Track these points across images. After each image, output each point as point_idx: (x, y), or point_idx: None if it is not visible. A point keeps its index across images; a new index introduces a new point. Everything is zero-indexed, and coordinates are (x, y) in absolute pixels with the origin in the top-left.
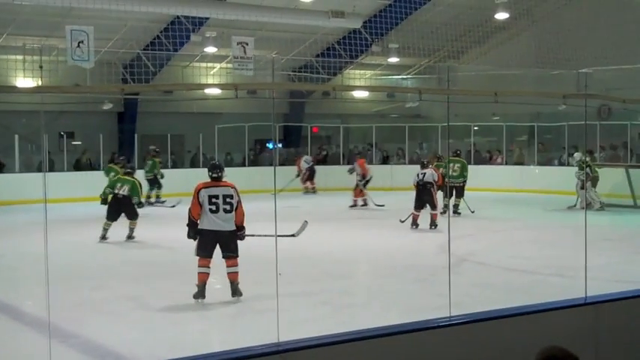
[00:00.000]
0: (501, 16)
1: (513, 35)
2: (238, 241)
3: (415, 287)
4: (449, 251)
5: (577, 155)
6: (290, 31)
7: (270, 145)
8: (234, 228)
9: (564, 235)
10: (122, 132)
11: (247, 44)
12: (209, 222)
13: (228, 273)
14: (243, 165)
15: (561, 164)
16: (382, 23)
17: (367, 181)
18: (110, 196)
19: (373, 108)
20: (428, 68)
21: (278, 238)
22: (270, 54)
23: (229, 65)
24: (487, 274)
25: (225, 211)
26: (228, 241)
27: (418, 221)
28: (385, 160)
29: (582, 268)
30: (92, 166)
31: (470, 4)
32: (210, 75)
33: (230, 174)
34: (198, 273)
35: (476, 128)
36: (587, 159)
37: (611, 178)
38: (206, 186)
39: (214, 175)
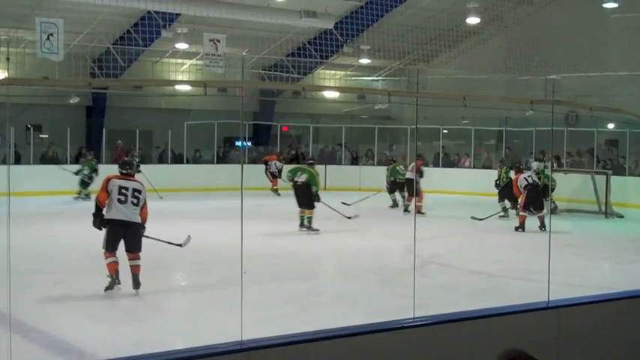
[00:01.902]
0: (473, 20)
1: (484, 40)
2: None
3: (380, 288)
4: (414, 253)
5: (534, 165)
6: (262, 29)
7: (239, 143)
8: (139, 221)
9: (530, 239)
10: (90, 126)
11: (219, 41)
12: (116, 211)
13: (131, 266)
14: (212, 162)
15: (528, 169)
16: (354, 24)
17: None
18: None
19: (343, 109)
20: (398, 70)
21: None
22: (241, 52)
23: (200, 62)
24: (452, 276)
25: (133, 204)
26: (133, 234)
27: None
28: (354, 161)
29: (546, 273)
30: (58, 160)
31: (442, 8)
32: (180, 71)
33: (199, 171)
34: (108, 264)
35: (445, 131)
36: (546, 165)
37: (577, 185)
38: (117, 177)
39: (124, 172)
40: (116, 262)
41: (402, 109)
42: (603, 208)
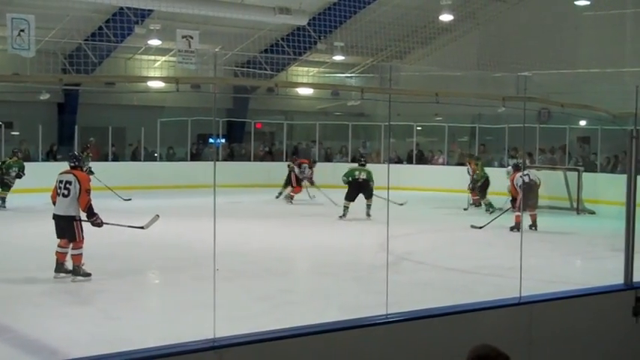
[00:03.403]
0: (446, 17)
1: (457, 37)
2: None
3: (353, 285)
4: (387, 250)
5: (510, 169)
6: (235, 26)
7: (213, 140)
8: (70, 214)
9: (503, 235)
10: (62, 123)
11: (192, 38)
12: (56, 205)
13: (56, 252)
14: (185, 160)
15: (501, 166)
16: (328, 21)
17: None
18: None
19: (317, 105)
20: (372, 67)
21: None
22: (215, 48)
23: (173, 59)
24: (425, 273)
25: (64, 195)
26: (63, 225)
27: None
28: (328, 158)
29: (518, 269)
30: (30, 158)
31: (415, 5)
32: (153, 68)
33: (172, 169)
34: (55, 252)
35: (419, 128)
36: (519, 162)
37: (549, 181)
38: (60, 172)
39: (70, 164)
40: (62, 254)
41: (375, 106)
42: (575, 205)
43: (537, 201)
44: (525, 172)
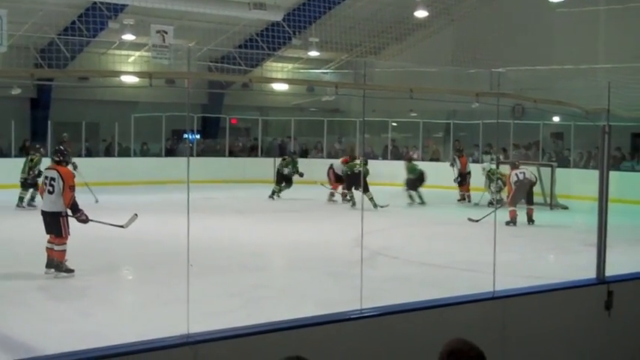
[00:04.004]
0: (421, 14)
1: (432, 33)
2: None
3: (328, 280)
4: (361, 245)
5: (485, 165)
6: (210, 21)
7: (190, 136)
8: (55, 210)
9: (477, 231)
10: (35, 118)
11: (166, 33)
12: (43, 202)
13: (46, 247)
14: (159, 155)
15: (475, 162)
16: (303, 17)
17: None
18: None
19: (292, 101)
20: (347, 63)
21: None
22: (189, 44)
23: (147, 54)
24: (400, 268)
25: (49, 192)
26: (49, 221)
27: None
28: (304, 154)
29: (492, 264)
30: (3, 153)
31: (390, 1)
32: (128, 63)
33: (146, 164)
34: (45, 248)
35: (394, 124)
36: (493, 158)
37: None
38: (45, 168)
39: (54, 159)
40: (49, 250)
41: (350, 102)
42: (548, 200)
43: (532, 197)
44: (521, 170)
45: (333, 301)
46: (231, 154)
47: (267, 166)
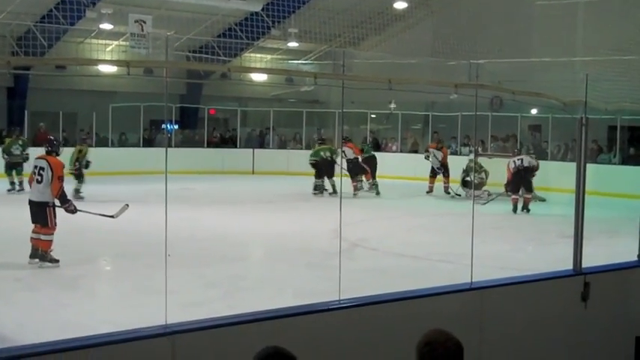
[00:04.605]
0: (400, 5)
1: (411, 25)
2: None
3: (307, 271)
4: (340, 236)
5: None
6: (189, 10)
7: (169, 127)
8: (43, 200)
9: (455, 222)
10: (11, 108)
11: (145, 22)
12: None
13: (31, 237)
14: (138, 146)
15: (453, 153)
16: (282, 7)
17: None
18: None
19: (271, 92)
20: (326, 54)
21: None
22: (168, 33)
23: (126, 43)
24: (379, 259)
25: (37, 182)
26: (36, 210)
27: None
28: (282, 145)
29: (470, 255)
30: None
31: None
32: (106, 52)
33: (124, 154)
34: (30, 238)
35: (373, 116)
36: (471, 150)
37: (502, 169)
38: (36, 157)
39: (45, 149)
40: (34, 239)
41: (329, 93)
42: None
43: (531, 185)
44: (520, 157)
45: (312, 292)
46: (210, 144)
47: (245, 157)
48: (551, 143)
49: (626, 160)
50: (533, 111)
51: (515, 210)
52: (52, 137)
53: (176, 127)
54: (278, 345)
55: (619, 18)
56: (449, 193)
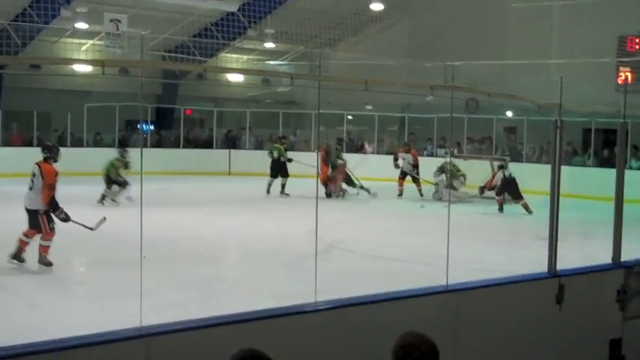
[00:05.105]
0: (376, 7)
1: (388, 26)
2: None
3: (283, 273)
4: (316, 238)
5: (443, 163)
6: (165, 10)
7: (144, 127)
8: (34, 207)
9: (431, 224)
10: None
11: (120, 21)
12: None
13: (19, 238)
14: (112, 146)
15: (429, 155)
16: (259, 7)
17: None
18: None
19: (248, 93)
20: (303, 55)
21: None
22: (144, 33)
23: (101, 42)
24: (355, 261)
25: (30, 188)
26: (30, 217)
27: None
28: (259, 146)
29: (446, 257)
30: None
31: None
32: (81, 51)
33: (99, 155)
34: (18, 238)
35: (350, 117)
36: (447, 152)
37: (477, 171)
38: (35, 163)
39: (43, 155)
40: (21, 240)
41: (305, 94)
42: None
43: (519, 192)
44: (508, 170)
45: (288, 294)
46: (186, 145)
47: (221, 158)
48: (526, 145)
49: (600, 163)
50: (509, 113)
51: (501, 210)
52: (48, 143)
53: (152, 127)
54: (254, 347)
55: (593, 21)
56: (422, 195)
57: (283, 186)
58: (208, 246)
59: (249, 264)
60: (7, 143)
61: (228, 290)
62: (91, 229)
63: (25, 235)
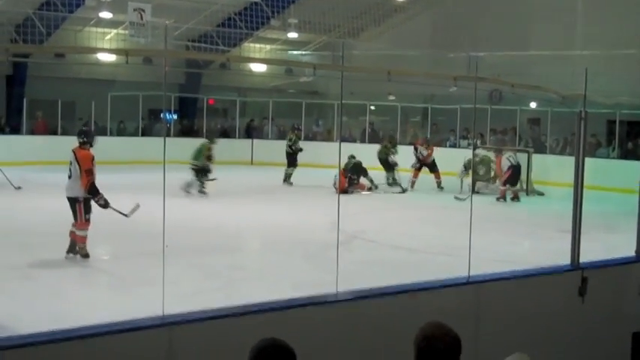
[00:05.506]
0: None
1: (411, 16)
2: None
3: (305, 263)
4: (338, 228)
5: (465, 161)
6: (189, 0)
7: (167, 116)
8: (72, 195)
9: (452, 215)
10: (10, 96)
11: (144, 11)
12: None
13: (70, 231)
14: (136, 135)
15: (452, 146)
16: None
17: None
18: None
19: (270, 82)
20: (326, 45)
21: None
22: (167, 22)
23: (125, 32)
24: (376, 251)
25: (69, 177)
26: (70, 205)
27: None
28: (282, 136)
29: (466, 248)
30: None
31: None
32: (105, 40)
33: (122, 143)
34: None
35: (372, 108)
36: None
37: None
38: (72, 150)
39: (79, 141)
40: (71, 231)
41: (328, 84)
42: (525, 186)
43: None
44: (509, 155)
45: (310, 284)
46: (209, 135)
47: (244, 148)
48: (550, 137)
49: (624, 155)
50: (533, 104)
51: (505, 199)
52: (86, 128)
53: (175, 116)
54: (275, 337)
55: (618, 12)
56: (442, 188)
57: (289, 175)
58: (231, 235)
59: (271, 254)
60: (33, 132)
61: (250, 279)
62: (125, 215)
63: (74, 225)
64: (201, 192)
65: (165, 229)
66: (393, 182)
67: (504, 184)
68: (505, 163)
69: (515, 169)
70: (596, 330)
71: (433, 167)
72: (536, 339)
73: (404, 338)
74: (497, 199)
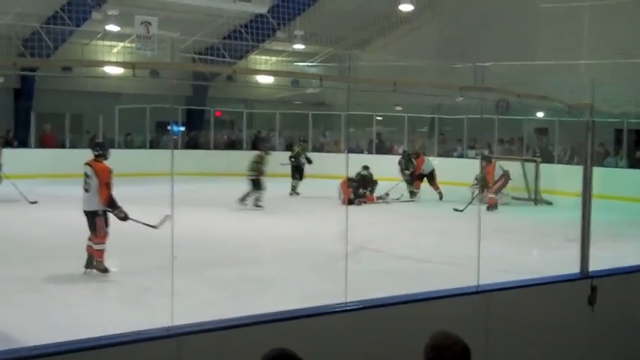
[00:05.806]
0: (406, 7)
1: (417, 27)
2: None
3: (312, 274)
4: (346, 239)
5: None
6: (195, 12)
7: (175, 128)
8: (91, 209)
9: (458, 225)
10: (18, 109)
11: (150, 24)
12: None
13: (87, 245)
14: (144, 147)
15: (460, 156)
16: (288, 9)
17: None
18: None
19: (277, 94)
20: (332, 57)
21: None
22: (174, 35)
23: (132, 45)
24: (383, 262)
25: (85, 190)
26: (88, 220)
27: None
28: (288, 147)
29: (475, 258)
30: None
31: None
32: (112, 54)
33: (130, 156)
34: (86, 246)
35: (379, 118)
36: (478, 153)
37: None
38: (84, 163)
39: (94, 153)
40: (88, 246)
41: (335, 96)
42: (532, 195)
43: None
44: (500, 164)
45: (318, 294)
46: (216, 146)
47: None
48: (558, 146)
49: (632, 164)
50: (540, 114)
51: (496, 207)
52: (100, 140)
53: (182, 128)
54: (284, 347)
55: (624, 21)
56: (441, 198)
57: (294, 187)
58: (238, 246)
59: (280, 264)
60: (40, 145)
61: (258, 290)
62: (153, 227)
63: (90, 239)
64: (258, 205)
65: (173, 241)
66: (412, 194)
67: (496, 192)
68: (498, 172)
69: (507, 177)
70: (606, 340)
71: (431, 178)
72: (546, 348)
73: (413, 348)
74: (488, 208)
